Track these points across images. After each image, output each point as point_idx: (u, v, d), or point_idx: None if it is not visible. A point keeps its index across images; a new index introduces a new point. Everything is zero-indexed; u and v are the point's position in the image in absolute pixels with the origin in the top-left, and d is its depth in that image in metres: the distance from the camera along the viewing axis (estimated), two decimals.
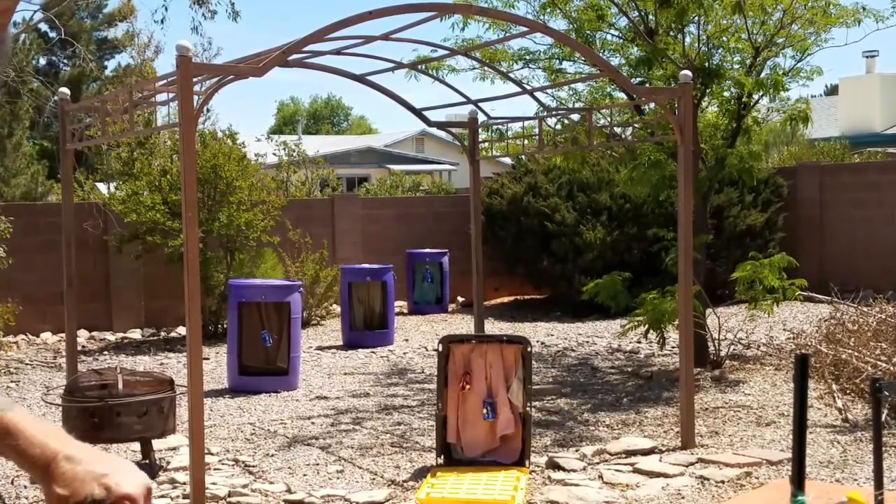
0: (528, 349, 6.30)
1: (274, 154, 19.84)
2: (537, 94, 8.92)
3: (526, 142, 9.81)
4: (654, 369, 9.76)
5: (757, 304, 9.25)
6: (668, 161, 9.52)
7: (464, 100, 8.81)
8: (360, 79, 8.47)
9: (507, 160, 21.31)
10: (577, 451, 6.75)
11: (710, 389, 8.69)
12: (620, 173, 11.35)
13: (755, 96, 9.46)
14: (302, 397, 8.97)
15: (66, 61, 31.83)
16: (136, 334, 13.25)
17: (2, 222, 11.14)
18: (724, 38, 9.42)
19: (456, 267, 14.92)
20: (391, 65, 8.31)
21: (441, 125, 10.00)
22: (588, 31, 9.53)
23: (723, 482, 5.97)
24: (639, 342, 10.97)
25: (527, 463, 6.24)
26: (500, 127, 9.79)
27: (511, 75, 9.17)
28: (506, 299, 16.15)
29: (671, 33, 9.36)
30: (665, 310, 8.82)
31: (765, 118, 10.13)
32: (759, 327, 11.35)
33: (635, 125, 9.46)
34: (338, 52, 7.75)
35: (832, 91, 39.97)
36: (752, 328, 10.81)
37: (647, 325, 9.17)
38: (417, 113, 8.94)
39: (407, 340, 12.45)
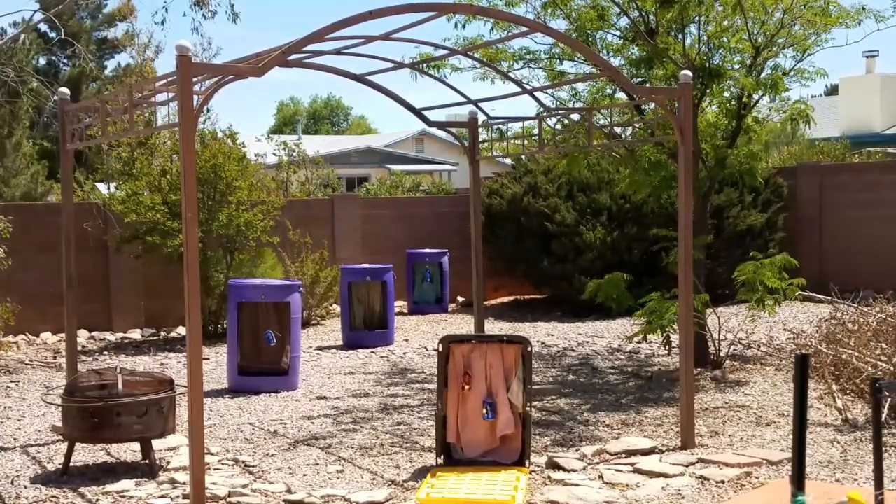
0: (528, 349, 6.30)
1: (274, 154, 19.84)
2: (537, 94, 8.92)
3: (526, 142, 9.81)
4: (655, 369, 9.76)
5: (759, 305, 9.23)
6: (668, 161, 9.52)
7: (464, 100, 8.81)
8: (360, 79, 8.46)
9: (507, 160, 21.30)
10: (577, 451, 6.75)
11: (711, 389, 8.69)
12: (621, 174, 11.34)
13: (755, 96, 9.46)
14: (302, 397, 8.97)
15: (66, 61, 31.84)
16: (136, 334, 13.25)
17: (2, 222, 11.14)
18: (725, 38, 9.42)
19: (456, 267, 14.92)
20: (391, 65, 8.31)
21: (441, 125, 10.00)
22: (589, 31, 9.52)
23: (723, 482, 5.97)
24: (639, 343, 10.96)
25: (527, 463, 6.24)
26: (500, 127, 9.79)
27: (511, 75, 9.16)
28: (506, 299, 16.15)
29: (671, 33, 9.36)
30: (673, 313, 8.78)
31: (765, 118, 10.13)
32: (760, 327, 11.35)
33: (635, 125, 9.46)
34: (338, 52, 7.75)
35: (832, 91, 39.98)
36: (753, 328, 10.81)
37: (651, 329, 9.13)
38: (417, 113, 8.94)
39: (407, 340, 12.46)
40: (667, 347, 9.41)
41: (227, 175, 12.35)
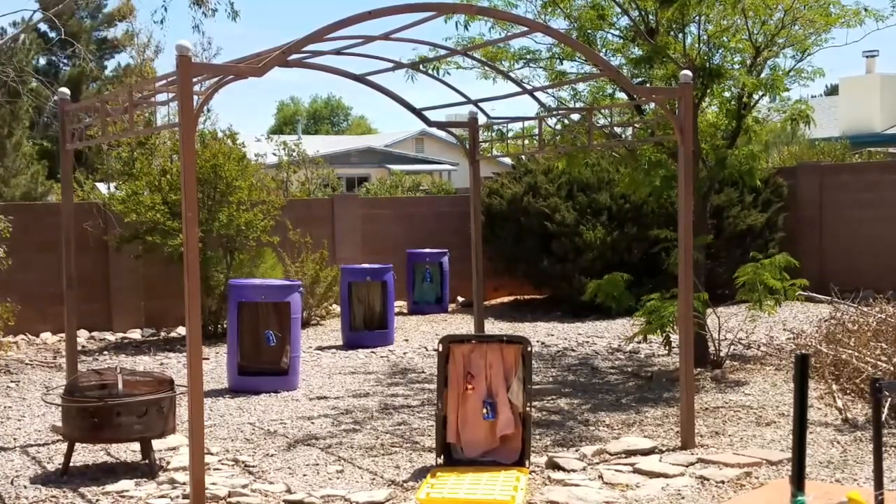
0: (528, 349, 6.30)
1: (274, 154, 19.85)
2: (537, 93, 8.92)
3: (526, 142, 9.81)
4: (655, 369, 9.76)
5: (759, 305, 9.23)
6: (668, 161, 9.52)
7: (464, 100, 8.81)
8: (360, 79, 8.46)
9: (507, 160, 21.30)
10: (577, 451, 6.75)
11: (711, 389, 8.69)
12: (621, 174, 11.34)
13: (755, 96, 9.46)
14: (302, 397, 8.97)
15: (66, 61, 31.84)
16: (136, 334, 13.25)
17: (2, 222, 11.14)
18: (725, 38, 9.42)
19: (456, 267, 14.92)
20: (391, 65, 8.30)
21: (441, 125, 10.00)
22: (589, 31, 9.52)
23: (723, 482, 5.97)
24: (639, 343, 10.96)
25: (527, 463, 6.24)
26: (500, 127, 9.79)
27: (511, 75, 9.16)
28: (506, 299, 16.15)
29: (672, 33, 9.35)
30: (672, 313, 8.79)
31: (765, 118, 10.13)
32: (760, 327, 11.35)
33: (635, 125, 9.45)
34: (338, 52, 7.75)
35: (832, 91, 39.98)
36: (753, 328, 10.81)
37: (651, 329, 9.13)
38: (417, 113, 8.94)
39: (407, 340, 12.46)
40: (667, 347, 9.41)
41: (227, 175, 12.35)
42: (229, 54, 68.01)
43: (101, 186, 16.34)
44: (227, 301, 10.32)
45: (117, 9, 32.63)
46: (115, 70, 32.93)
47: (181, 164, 5.45)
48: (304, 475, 6.37)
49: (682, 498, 5.73)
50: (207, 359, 10.88)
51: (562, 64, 10.03)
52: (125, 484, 6.16)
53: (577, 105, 9.97)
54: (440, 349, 6.34)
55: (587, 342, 11.86)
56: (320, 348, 11.93)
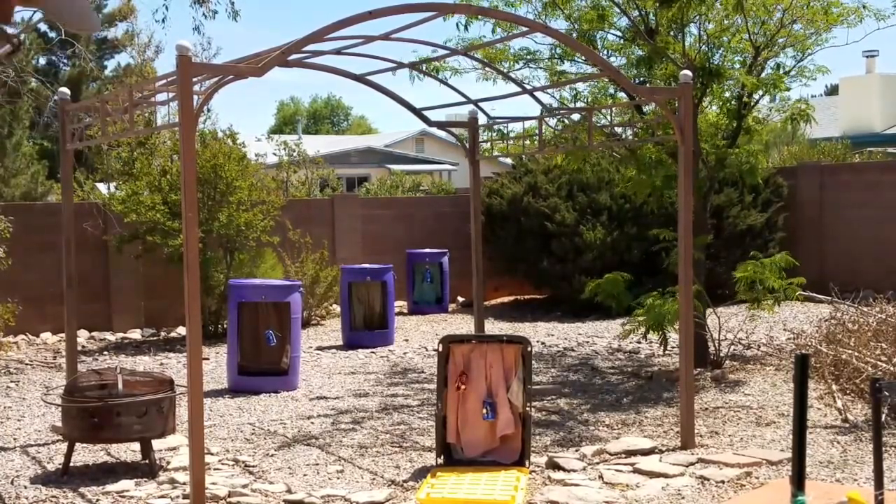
0: (528, 349, 6.30)
1: (274, 154, 19.85)
2: (538, 93, 8.92)
3: (527, 142, 9.80)
4: (655, 369, 9.76)
5: (758, 304, 9.23)
6: (668, 161, 9.52)
7: (464, 100, 8.81)
8: (360, 79, 8.46)
9: (508, 160, 21.30)
10: (577, 451, 6.75)
11: (711, 389, 8.69)
12: (622, 174, 11.33)
13: (756, 96, 9.46)
14: (302, 397, 8.97)
15: (66, 61, 31.84)
16: (136, 334, 13.25)
17: (2, 222, 11.14)
18: (725, 38, 9.42)
19: (456, 267, 14.92)
20: (391, 65, 8.31)
21: (441, 125, 9.99)
22: (588, 31, 9.52)
23: (723, 482, 5.97)
24: (639, 342, 10.96)
25: (527, 463, 6.25)
26: (500, 127, 9.79)
27: (512, 75, 9.16)
28: (506, 299, 16.15)
29: (672, 33, 9.35)
30: (667, 311, 8.81)
31: (765, 118, 10.13)
32: (759, 327, 11.35)
33: (636, 125, 9.44)
34: (338, 52, 7.75)
35: (832, 91, 39.99)
36: (753, 328, 10.81)
37: (647, 327, 9.15)
38: (417, 113, 8.94)
39: (407, 340, 12.46)
40: (661, 345, 9.39)
41: (227, 175, 12.36)
42: (229, 54, 68.05)
43: (101, 186, 16.34)
44: (227, 301, 10.32)
45: (118, 9, 32.63)
46: (115, 70, 32.94)
47: (181, 164, 5.45)
48: (305, 475, 6.37)
49: (682, 498, 5.73)
50: (207, 359, 10.88)
51: (562, 64, 10.03)
52: (125, 484, 6.16)
53: (578, 105, 9.97)
54: (440, 349, 6.34)
55: (587, 342, 11.86)
56: (320, 348, 11.93)
